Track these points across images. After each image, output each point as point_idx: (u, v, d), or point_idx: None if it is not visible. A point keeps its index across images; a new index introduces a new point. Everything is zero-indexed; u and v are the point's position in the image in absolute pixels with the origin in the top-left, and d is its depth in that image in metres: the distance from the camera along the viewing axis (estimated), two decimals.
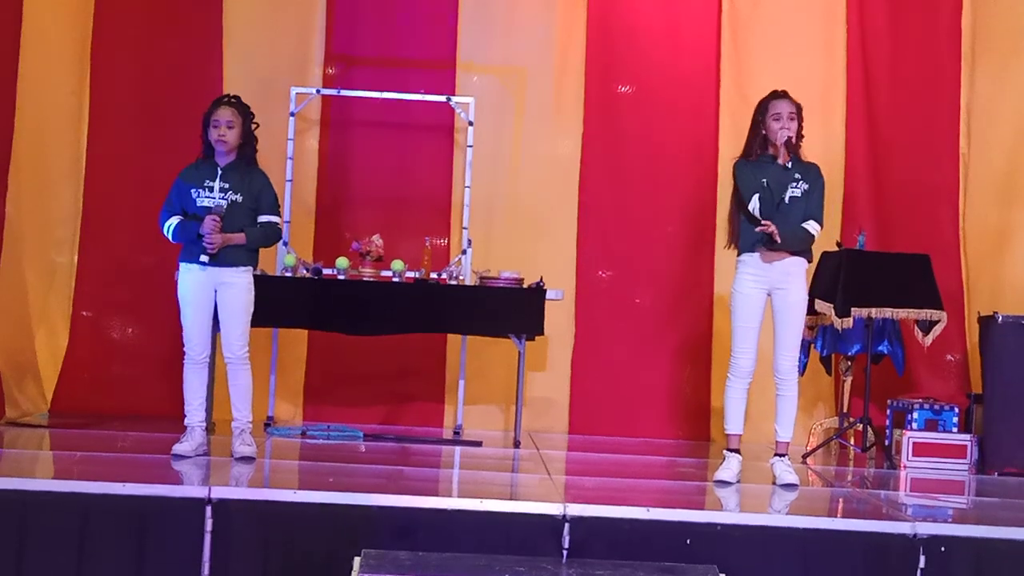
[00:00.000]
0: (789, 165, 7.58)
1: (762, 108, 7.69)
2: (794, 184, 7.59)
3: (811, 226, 7.64)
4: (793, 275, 7.63)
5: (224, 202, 7.58)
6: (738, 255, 7.74)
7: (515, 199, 10.34)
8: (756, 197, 7.53)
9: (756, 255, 7.62)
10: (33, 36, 9.53)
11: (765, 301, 7.67)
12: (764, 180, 7.53)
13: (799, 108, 7.65)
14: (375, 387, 10.15)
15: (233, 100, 7.73)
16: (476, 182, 9.99)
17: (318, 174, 10.28)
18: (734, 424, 7.77)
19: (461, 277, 9.53)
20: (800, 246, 7.64)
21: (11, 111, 9.32)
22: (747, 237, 7.66)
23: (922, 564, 6.31)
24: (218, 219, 7.52)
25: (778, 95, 7.69)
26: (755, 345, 7.68)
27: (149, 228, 9.63)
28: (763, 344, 7.73)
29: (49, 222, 9.94)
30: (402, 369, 10.16)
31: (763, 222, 7.49)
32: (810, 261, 7.75)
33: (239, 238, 7.62)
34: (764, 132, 7.65)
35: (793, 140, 7.58)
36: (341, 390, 10.11)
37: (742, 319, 7.68)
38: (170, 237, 7.71)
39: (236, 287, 7.68)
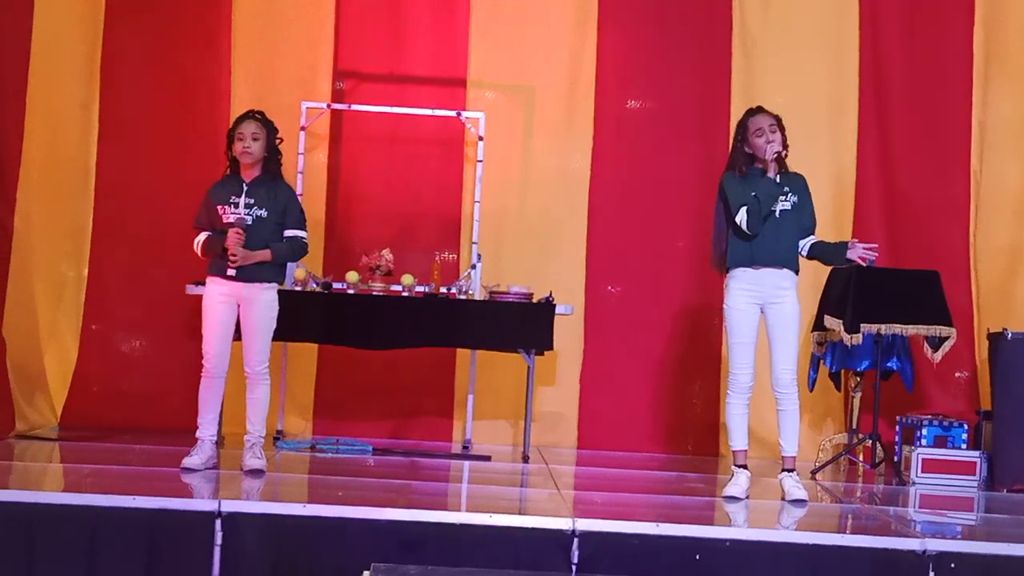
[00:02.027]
0: (778, 179, 7.58)
1: (742, 127, 7.69)
2: (784, 197, 7.60)
3: (816, 239, 7.75)
4: (785, 288, 7.63)
5: (249, 217, 7.61)
6: (728, 270, 7.74)
7: (525, 214, 10.34)
8: (743, 209, 7.53)
9: (747, 270, 7.62)
10: (43, 49, 9.55)
11: (759, 315, 7.67)
12: (754, 193, 7.52)
13: (779, 119, 7.65)
14: (384, 401, 10.15)
15: (258, 115, 7.77)
16: (486, 197, 10.01)
17: (327, 188, 10.28)
18: (738, 440, 7.76)
19: (471, 292, 9.54)
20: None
21: (20, 124, 9.34)
22: (738, 252, 7.66)
23: None
24: (241, 232, 7.55)
25: (754, 111, 7.71)
26: (752, 360, 7.67)
27: (159, 242, 9.74)
28: (767, 359, 7.74)
29: (58, 235, 9.94)
30: (411, 383, 10.15)
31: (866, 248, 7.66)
32: (797, 273, 7.74)
33: (264, 255, 7.65)
34: (749, 151, 7.65)
35: (782, 153, 7.58)
36: (350, 404, 10.11)
37: (738, 335, 7.68)
38: (199, 253, 7.76)
39: (260, 303, 7.71)
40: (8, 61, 9.04)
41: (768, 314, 7.66)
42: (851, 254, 7.66)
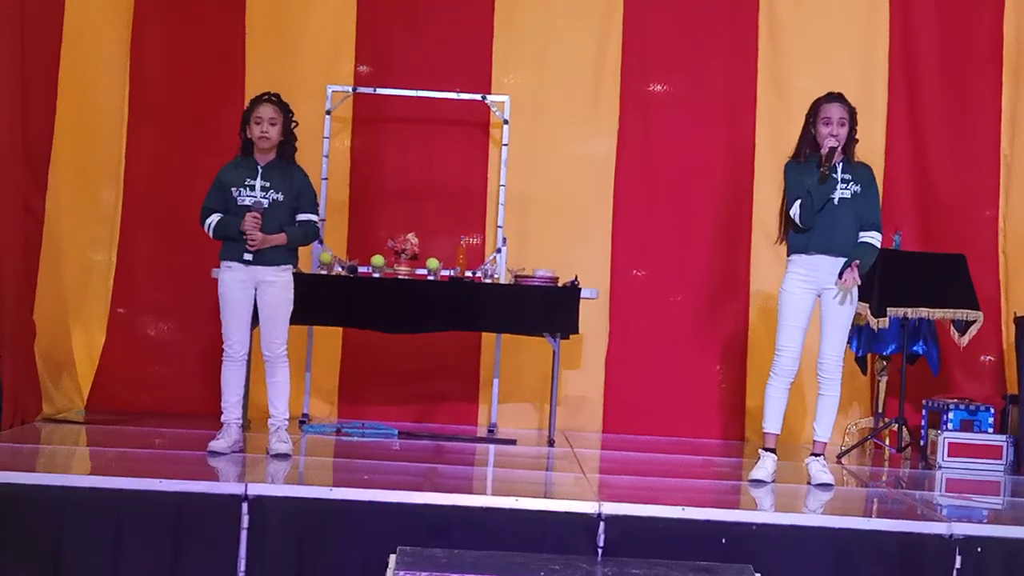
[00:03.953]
0: (839, 168, 7.54)
1: (813, 110, 7.64)
2: (843, 186, 7.55)
3: (873, 238, 7.60)
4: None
5: (266, 200, 7.62)
6: (788, 255, 7.72)
7: (550, 198, 10.31)
8: (797, 203, 7.50)
9: (806, 256, 7.59)
10: (74, 35, 9.55)
11: (814, 302, 7.64)
12: (809, 188, 7.49)
13: (852, 112, 7.59)
14: (409, 385, 10.16)
15: (274, 97, 7.76)
16: (511, 181, 9.99)
17: (350, 172, 10.28)
18: (772, 423, 7.74)
19: (496, 275, 9.53)
20: (869, 265, 7.63)
21: (52, 108, 9.35)
22: (796, 239, 7.64)
23: (958, 565, 6.30)
24: (259, 216, 7.55)
25: (832, 98, 7.62)
26: (800, 345, 7.65)
27: (186, 226, 9.72)
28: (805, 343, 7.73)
29: (87, 220, 9.97)
30: (436, 367, 10.17)
31: (843, 279, 7.48)
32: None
33: (280, 239, 7.66)
34: (813, 134, 7.61)
35: (838, 148, 7.52)
36: (375, 388, 10.13)
37: (789, 318, 7.64)
38: (211, 234, 7.75)
39: (277, 285, 7.71)
40: (40, 46, 9.04)
41: (823, 300, 7.62)
42: (846, 274, 7.58)
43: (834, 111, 7.56)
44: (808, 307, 7.64)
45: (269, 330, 7.75)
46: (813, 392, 7.83)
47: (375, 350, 10.06)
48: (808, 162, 7.60)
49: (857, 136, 7.65)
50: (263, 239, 7.59)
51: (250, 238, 7.56)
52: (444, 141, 10.38)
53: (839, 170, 7.56)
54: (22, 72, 8.63)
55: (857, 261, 7.50)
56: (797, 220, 7.53)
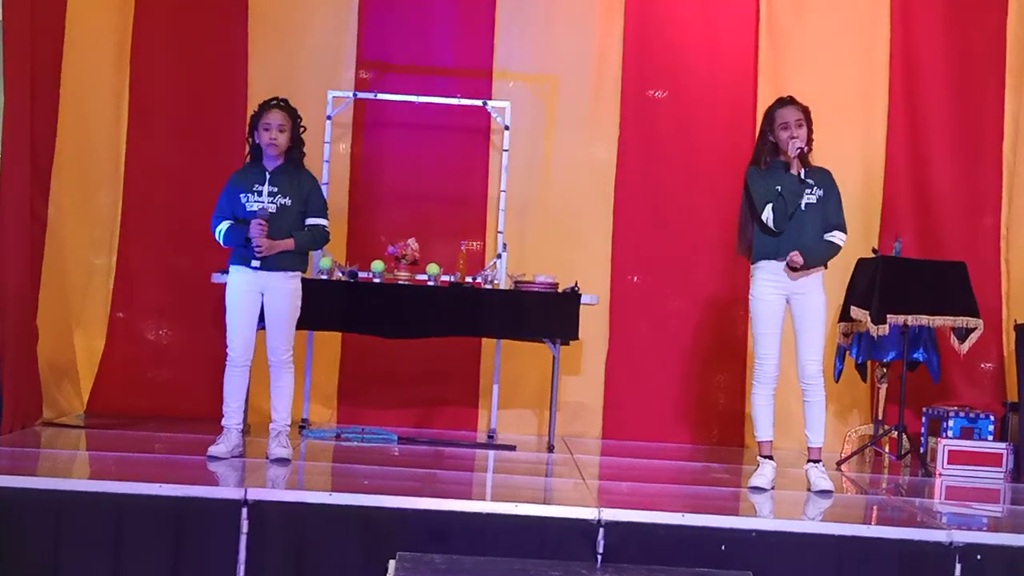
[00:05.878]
0: (803, 173, 7.56)
1: (768, 117, 7.69)
2: (809, 191, 7.58)
3: (836, 237, 7.65)
4: (810, 279, 7.62)
5: (272, 206, 7.62)
6: (753, 262, 7.73)
7: (550, 203, 10.32)
8: (769, 207, 7.52)
9: (772, 261, 7.62)
10: (74, 39, 9.54)
11: (784, 306, 7.67)
12: (778, 188, 7.51)
13: (807, 112, 7.64)
14: (409, 390, 10.15)
15: (282, 103, 7.76)
16: (511, 186, 9.99)
17: (350, 178, 10.28)
18: (764, 431, 7.77)
19: (496, 281, 9.53)
20: (824, 261, 7.65)
21: (55, 113, 9.34)
22: (764, 245, 7.65)
23: (958, 572, 6.30)
24: (263, 223, 7.55)
25: (784, 102, 7.68)
26: (778, 350, 7.68)
27: (186, 231, 9.76)
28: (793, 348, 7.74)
29: (88, 224, 9.97)
30: (436, 373, 10.16)
31: (791, 255, 7.49)
32: (825, 268, 7.73)
33: (287, 244, 7.66)
34: (773, 140, 7.64)
35: (804, 150, 7.56)
36: (375, 393, 10.12)
37: (763, 325, 7.68)
38: (221, 242, 7.76)
39: (284, 292, 7.72)
40: (43, 50, 9.03)
41: (793, 305, 7.65)
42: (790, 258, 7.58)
43: (789, 114, 7.60)
44: (780, 311, 7.68)
45: (275, 336, 7.75)
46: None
47: (375, 355, 10.06)
48: (770, 168, 7.62)
49: (813, 137, 7.68)
50: (270, 245, 7.59)
51: (255, 245, 7.56)
52: (445, 147, 10.37)
53: (803, 175, 7.59)
54: (31, 77, 8.62)
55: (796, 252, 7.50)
56: (771, 224, 7.55)
